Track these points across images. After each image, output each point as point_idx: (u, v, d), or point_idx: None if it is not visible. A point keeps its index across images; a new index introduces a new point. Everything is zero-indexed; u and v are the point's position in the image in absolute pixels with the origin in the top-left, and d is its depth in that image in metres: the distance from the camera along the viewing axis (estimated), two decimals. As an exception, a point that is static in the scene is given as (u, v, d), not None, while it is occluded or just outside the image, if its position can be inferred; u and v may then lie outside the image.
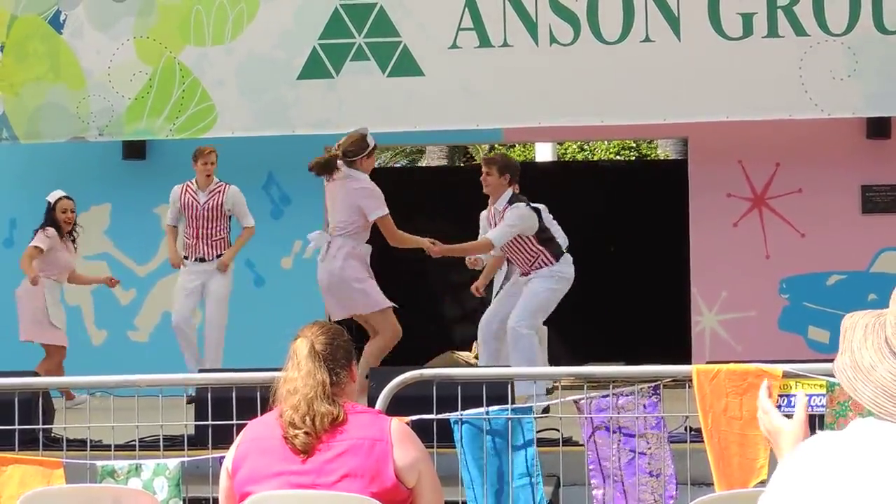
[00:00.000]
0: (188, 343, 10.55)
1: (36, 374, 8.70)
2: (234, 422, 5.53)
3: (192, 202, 10.71)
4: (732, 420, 5.42)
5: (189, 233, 10.73)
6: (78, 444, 6.51)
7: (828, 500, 2.37)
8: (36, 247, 10.70)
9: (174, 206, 10.80)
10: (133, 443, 6.34)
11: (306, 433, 4.06)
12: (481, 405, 5.68)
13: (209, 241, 10.69)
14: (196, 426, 6.38)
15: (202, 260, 10.67)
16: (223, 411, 5.85)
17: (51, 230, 10.78)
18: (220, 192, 10.75)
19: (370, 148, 9.41)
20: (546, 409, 6.60)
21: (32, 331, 10.72)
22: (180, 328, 10.58)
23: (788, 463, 2.49)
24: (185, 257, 10.75)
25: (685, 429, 6.14)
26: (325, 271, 9.27)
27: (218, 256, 10.67)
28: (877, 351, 2.50)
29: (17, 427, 6.06)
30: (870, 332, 2.54)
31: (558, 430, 6.22)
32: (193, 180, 10.81)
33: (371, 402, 5.68)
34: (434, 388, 5.77)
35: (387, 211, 9.26)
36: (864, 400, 2.48)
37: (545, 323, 10.06)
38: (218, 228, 10.70)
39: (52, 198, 10.94)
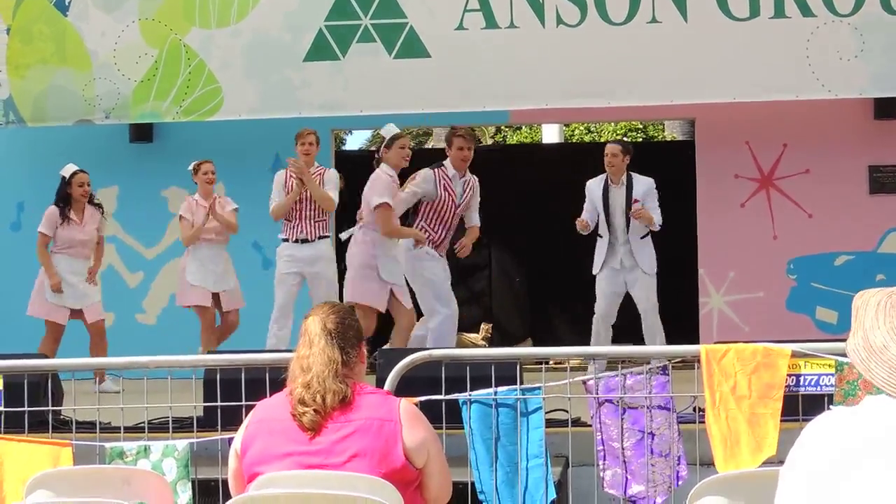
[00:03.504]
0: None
1: (45, 356, 8.70)
2: (243, 403, 5.53)
3: (294, 168, 10.44)
4: (741, 399, 5.42)
5: (291, 214, 10.44)
6: (87, 427, 6.51)
7: (844, 475, 2.37)
8: (41, 234, 10.63)
9: (280, 192, 10.49)
10: (142, 424, 6.35)
11: (315, 411, 4.06)
12: (490, 386, 5.68)
13: (312, 221, 10.42)
14: (205, 407, 6.38)
15: (305, 241, 10.39)
16: (232, 393, 5.86)
17: (50, 209, 10.67)
18: (320, 174, 10.49)
19: (386, 139, 9.80)
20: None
21: (32, 306, 10.70)
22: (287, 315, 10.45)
23: (805, 439, 2.49)
24: (285, 239, 10.49)
25: (693, 409, 6.15)
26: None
27: (321, 237, 10.44)
28: (889, 330, 2.50)
29: (26, 409, 6.08)
30: (881, 311, 2.54)
31: (567, 411, 6.22)
32: None
33: (380, 383, 5.68)
34: (443, 369, 5.77)
35: (384, 200, 9.58)
36: (877, 380, 2.48)
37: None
38: (321, 209, 10.45)
39: (66, 172, 10.75)
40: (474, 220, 10.23)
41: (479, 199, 10.22)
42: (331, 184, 10.52)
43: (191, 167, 10.85)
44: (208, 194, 10.79)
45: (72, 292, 10.69)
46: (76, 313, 10.78)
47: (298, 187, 10.34)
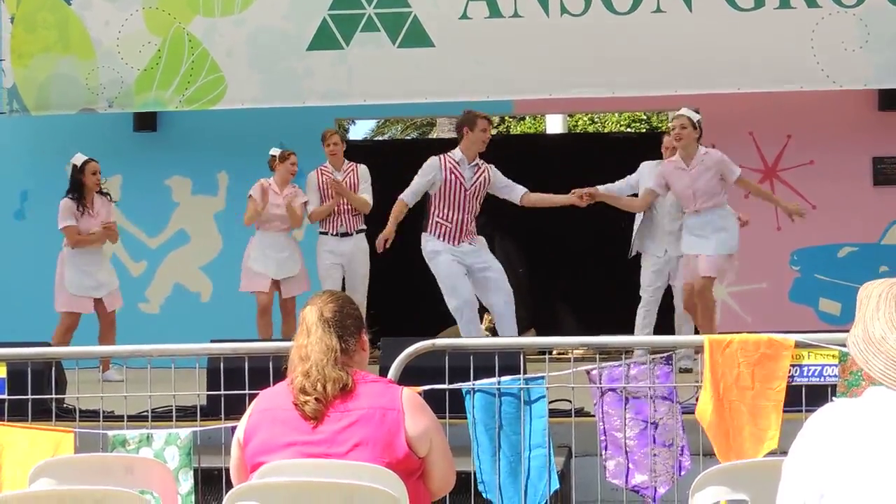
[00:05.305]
0: None
1: (48, 344, 8.68)
2: (247, 392, 5.53)
3: (331, 182, 10.80)
4: (744, 390, 5.41)
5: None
6: (90, 415, 6.51)
7: (846, 466, 2.37)
8: (69, 227, 10.41)
9: (314, 193, 10.85)
10: (145, 413, 6.35)
11: (317, 399, 4.05)
12: (493, 376, 5.68)
13: (350, 216, 10.82)
14: (208, 396, 6.38)
15: (345, 234, 10.78)
16: (235, 381, 5.86)
17: (65, 202, 10.47)
18: (353, 170, 10.92)
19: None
20: None
21: (59, 302, 10.54)
22: None
23: (808, 430, 2.49)
24: (324, 232, 10.87)
25: (697, 400, 6.14)
26: None
27: (358, 231, 10.83)
28: (887, 322, 2.49)
29: (29, 397, 6.08)
30: (882, 302, 2.54)
31: (570, 401, 6.22)
32: (327, 163, 10.93)
33: (383, 372, 5.67)
34: (446, 358, 5.77)
35: None
36: (875, 372, 2.47)
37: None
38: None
39: (77, 161, 10.55)
40: (517, 190, 10.10)
41: (504, 178, 10.06)
42: (365, 183, 10.89)
43: (275, 153, 10.89)
44: (286, 183, 10.88)
45: (92, 282, 10.57)
46: (97, 302, 10.67)
47: (337, 196, 10.73)
